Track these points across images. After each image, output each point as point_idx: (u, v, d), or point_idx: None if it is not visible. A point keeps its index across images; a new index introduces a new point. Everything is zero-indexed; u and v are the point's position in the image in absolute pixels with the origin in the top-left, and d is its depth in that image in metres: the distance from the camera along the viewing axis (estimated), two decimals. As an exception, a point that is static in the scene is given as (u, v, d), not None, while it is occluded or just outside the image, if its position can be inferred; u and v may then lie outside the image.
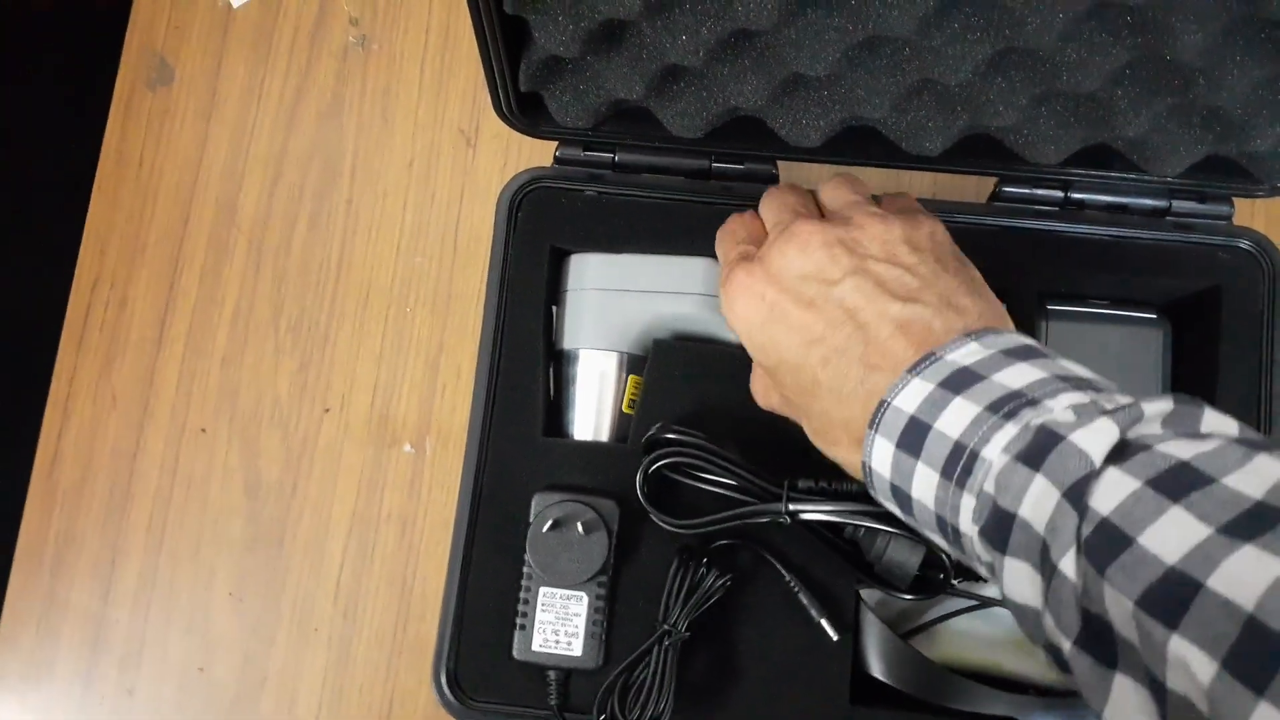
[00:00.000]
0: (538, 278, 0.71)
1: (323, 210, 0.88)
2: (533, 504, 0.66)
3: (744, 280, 0.56)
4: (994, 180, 0.71)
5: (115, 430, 0.86)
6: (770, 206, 0.61)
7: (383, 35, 0.91)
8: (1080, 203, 0.70)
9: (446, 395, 0.84)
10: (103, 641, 0.82)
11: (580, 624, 0.65)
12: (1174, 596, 0.37)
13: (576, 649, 0.65)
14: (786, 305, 0.54)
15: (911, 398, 0.48)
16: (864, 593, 0.66)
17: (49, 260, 0.89)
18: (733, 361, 0.68)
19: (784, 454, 0.63)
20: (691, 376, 0.69)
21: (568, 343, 0.71)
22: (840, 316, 0.52)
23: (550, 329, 0.72)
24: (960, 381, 0.47)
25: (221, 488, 0.84)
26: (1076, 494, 0.41)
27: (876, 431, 0.49)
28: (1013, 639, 0.67)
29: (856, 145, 0.68)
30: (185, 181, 0.90)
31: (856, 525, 0.62)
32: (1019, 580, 0.44)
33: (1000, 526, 0.44)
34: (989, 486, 0.44)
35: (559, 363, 0.72)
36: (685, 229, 0.70)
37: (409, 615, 0.81)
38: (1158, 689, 0.38)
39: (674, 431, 0.64)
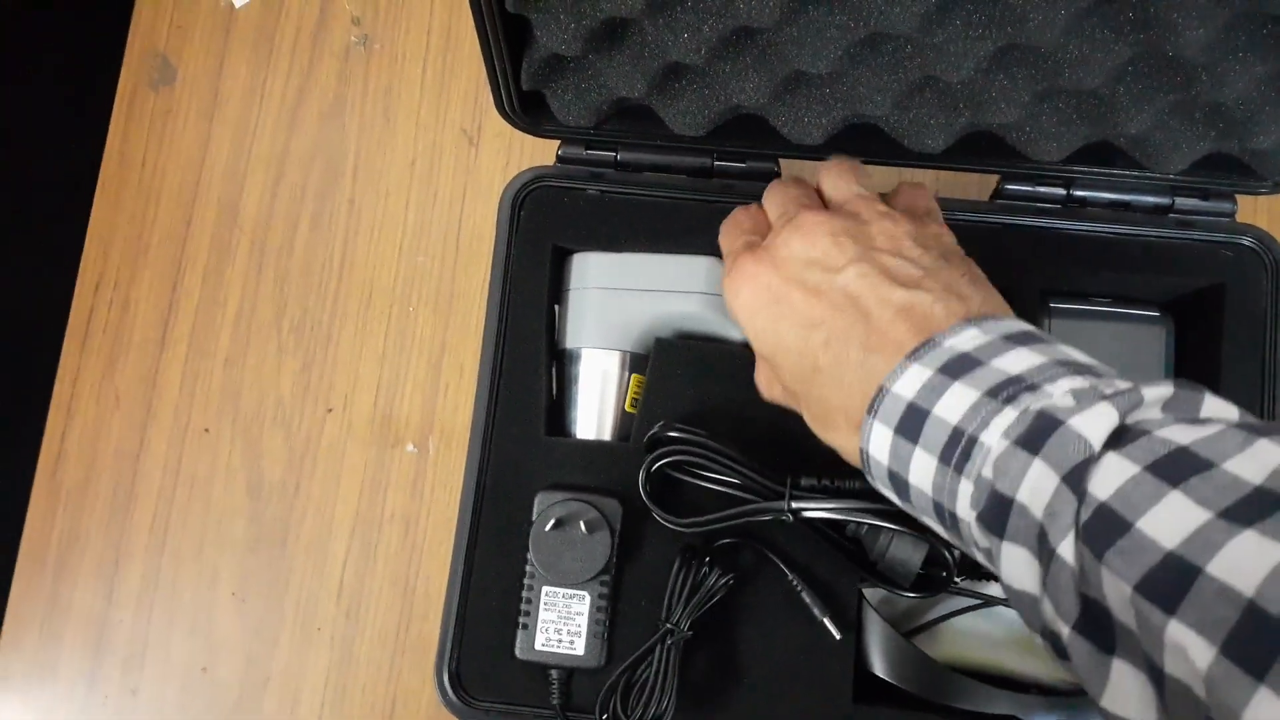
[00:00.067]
0: (540, 277, 0.71)
1: (325, 210, 0.88)
2: (535, 503, 0.66)
3: (749, 268, 0.56)
4: (996, 178, 0.71)
5: (118, 431, 0.86)
6: (774, 198, 0.61)
7: (384, 35, 0.91)
8: (1082, 200, 0.70)
9: (449, 395, 0.84)
10: (106, 642, 0.82)
11: (583, 623, 0.65)
12: (1172, 582, 0.37)
13: (579, 648, 0.65)
14: (790, 291, 0.54)
15: (910, 383, 0.48)
16: (867, 591, 0.66)
17: (52, 261, 0.90)
18: (735, 360, 0.68)
19: (786, 452, 0.63)
20: (694, 375, 0.69)
21: (570, 342, 0.71)
22: (842, 301, 0.52)
23: (553, 328, 0.72)
24: (959, 367, 0.47)
25: (224, 488, 0.84)
26: (1075, 479, 0.41)
27: (874, 417, 0.49)
28: (1015, 638, 0.67)
29: (858, 143, 0.68)
30: (188, 182, 0.90)
31: (859, 523, 0.62)
32: (1017, 566, 0.44)
33: (998, 512, 0.44)
34: (987, 472, 0.44)
35: (561, 362, 0.71)
36: (687, 227, 0.70)
37: (412, 615, 0.81)
38: (1156, 675, 0.38)
39: (676, 430, 0.64)
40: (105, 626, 0.83)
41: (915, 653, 0.64)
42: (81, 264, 0.89)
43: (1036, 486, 0.42)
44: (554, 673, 0.65)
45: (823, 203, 0.60)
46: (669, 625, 0.63)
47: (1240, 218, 0.70)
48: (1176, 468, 0.39)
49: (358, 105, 0.90)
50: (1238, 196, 0.70)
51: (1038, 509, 0.42)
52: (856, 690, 0.65)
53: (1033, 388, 0.45)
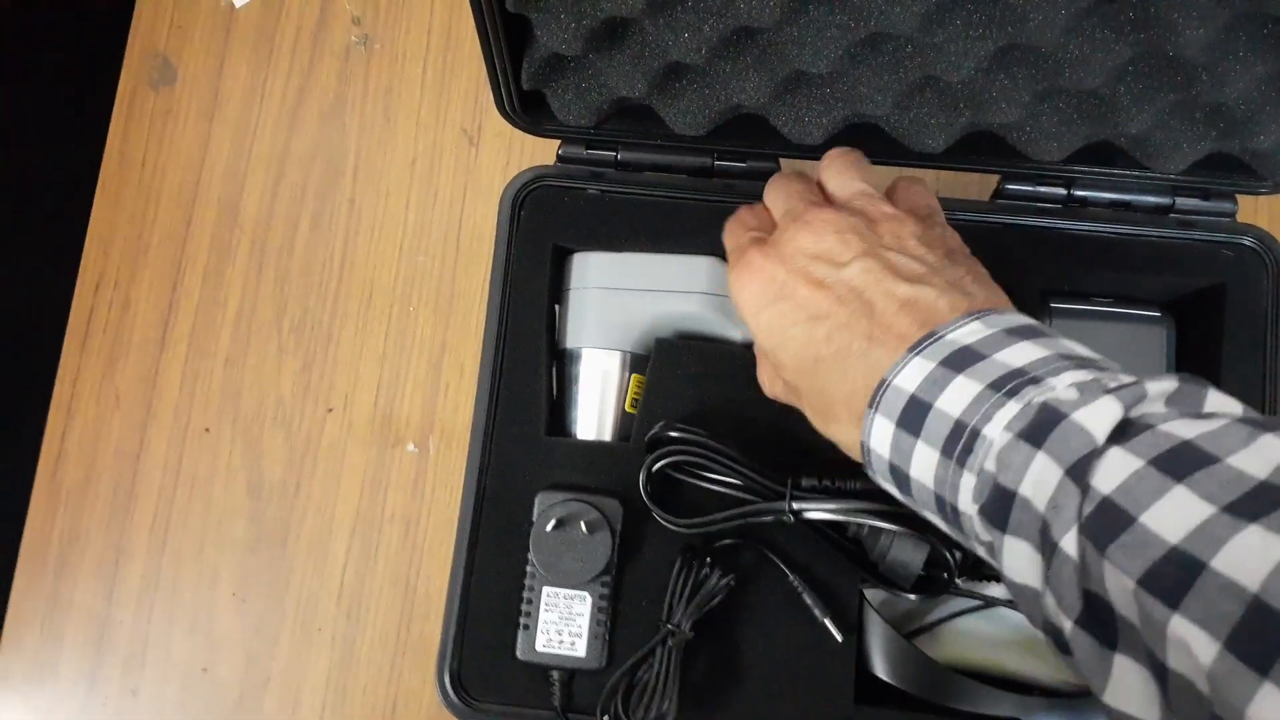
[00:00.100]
0: (540, 276, 0.71)
1: (325, 210, 0.88)
2: (536, 503, 0.66)
3: (756, 262, 0.56)
4: (997, 177, 0.71)
5: (119, 431, 0.86)
6: (778, 195, 0.61)
7: (385, 35, 0.91)
8: (1083, 200, 0.70)
9: (449, 394, 0.84)
10: (106, 642, 0.82)
11: (584, 624, 0.65)
12: (1176, 576, 0.37)
13: (580, 649, 0.65)
14: (795, 285, 0.54)
15: (912, 376, 0.48)
16: (868, 592, 0.66)
17: (52, 261, 0.90)
18: (736, 360, 0.68)
19: (787, 453, 0.63)
20: (694, 375, 0.69)
21: (570, 342, 0.71)
22: (847, 294, 0.52)
23: (553, 328, 0.72)
24: (962, 360, 0.47)
25: (225, 488, 0.84)
26: (1079, 472, 0.41)
27: (876, 411, 0.49)
28: (1017, 639, 0.67)
29: (859, 142, 0.67)
30: (188, 182, 0.90)
31: (860, 524, 0.62)
32: (1019, 560, 0.44)
33: (1001, 505, 0.44)
34: (990, 465, 0.44)
35: (561, 362, 0.71)
36: (688, 227, 0.70)
37: (412, 615, 0.81)
38: (1159, 670, 0.38)
39: (677, 430, 0.64)
40: (106, 626, 0.83)
41: (916, 654, 0.64)
42: (82, 264, 0.89)
43: (1039, 480, 0.42)
44: (555, 674, 0.65)
45: (826, 198, 0.60)
46: (670, 626, 0.63)
47: (1241, 218, 0.70)
48: (1180, 462, 0.39)
49: (358, 105, 0.90)
50: (1238, 196, 0.70)
51: (1040, 502, 0.42)
52: (858, 691, 0.64)
53: (1035, 381, 0.45)
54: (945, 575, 0.61)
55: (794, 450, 0.63)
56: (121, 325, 0.87)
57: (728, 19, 0.61)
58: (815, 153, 0.67)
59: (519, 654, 0.65)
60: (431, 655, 0.67)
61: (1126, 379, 0.44)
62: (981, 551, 0.48)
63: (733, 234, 0.62)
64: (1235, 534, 0.36)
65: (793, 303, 0.54)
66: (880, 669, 0.64)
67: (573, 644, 0.65)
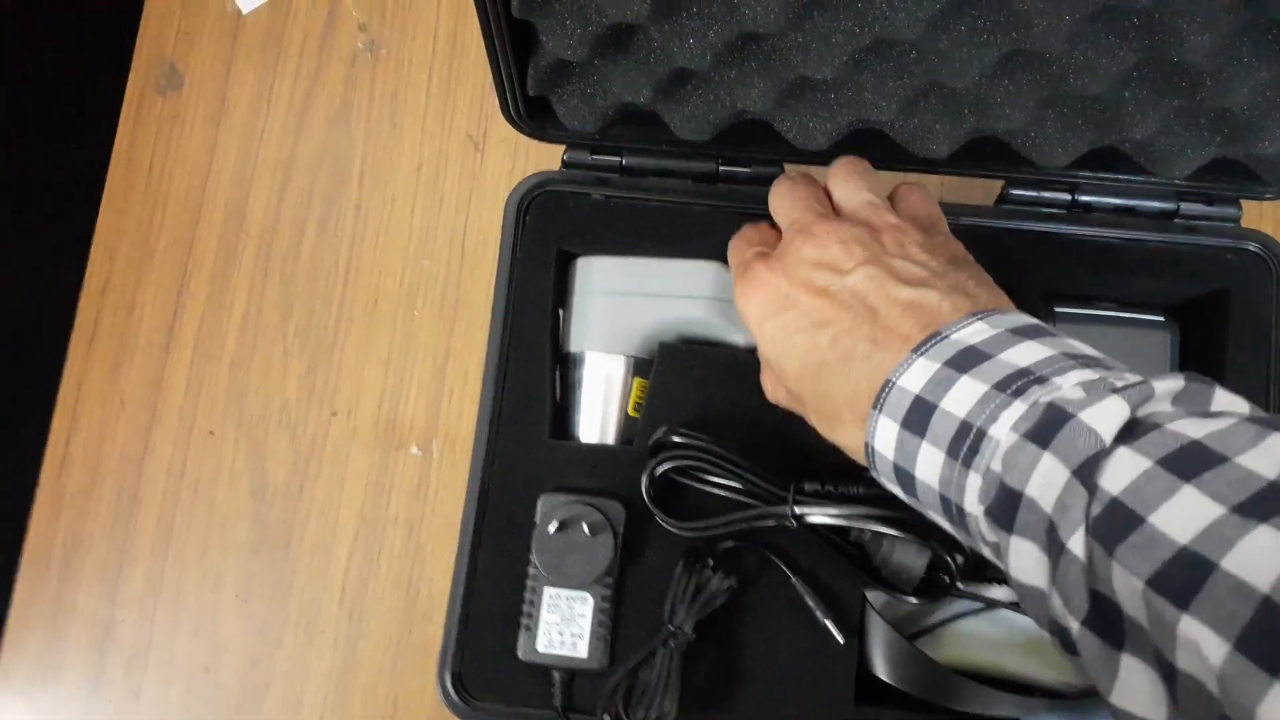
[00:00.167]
0: (545, 281, 0.71)
1: (331, 215, 0.89)
2: (539, 505, 0.66)
3: (761, 274, 0.57)
4: (1001, 183, 0.71)
5: (123, 434, 0.86)
6: (783, 202, 0.61)
7: (391, 41, 0.92)
8: (1087, 205, 0.70)
9: (454, 398, 0.84)
10: (110, 644, 0.82)
11: (585, 625, 0.65)
12: (1185, 577, 0.36)
13: (582, 650, 0.65)
14: (799, 295, 0.54)
15: (916, 377, 0.48)
16: (869, 595, 0.66)
17: (57, 265, 0.90)
18: (739, 365, 0.68)
19: (790, 457, 0.64)
20: (697, 380, 0.69)
21: (574, 345, 0.71)
22: (850, 300, 0.53)
23: (557, 332, 0.72)
24: (966, 360, 0.47)
25: (229, 491, 0.84)
26: (1086, 473, 0.41)
27: (880, 412, 0.49)
28: (1018, 641, 0.66)
29: (863, 148, 0.68)
30: (194, 187, 0.90)
31: (862, 529, 0.62)
32: (1025, 560, 0.44)
33: (1007, 506, 0.44)
34: (996, 465, 0.44)
35: (565, 365, 0.72)
36: (692, 232, 0.70)
37: (415, 617, 0.81)
38: (1167, 670, 0.38)
39: (680, 435, 0.64)
40: (109, 628, 0.83)
41: (918, 656, 0.64)
42: (88, 268, 0.89)
43: (1046, 480, 0.42)
44: (556, 674, 0.65)
45: (831, 205, 0.60)
46: (672, 627, 0.63)
47: (1245, 223, 0.70)
48: (1189, 462, 0.39)
49: (364, 111, 0.91)
50: (1242, 202, 0.70)
51: (1047, 503, 0.42)
52: (859, 693, 0.65)
53: (1041, 380, 0.45)
54: (947, 579, 0.62)
55: (797, 455, 0.63)
56: (127, 329, 0.87)
57: (733, 25, 0.61)
58: (820, 158, 0.68)
59: (520, 654, 0.65)
60: (433, 657, 0.67)
61: (1133, 378, 0.44)
62: (987, 552, 0.48)
63: (737, 249, 0.62)
64: (1245, 534, 0.36)
65: (796, 311, 0.54)
66: (882, 670, 0.64)
67: (574, 645, 0.65)
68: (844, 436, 0.54)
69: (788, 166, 0.71)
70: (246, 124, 0.91)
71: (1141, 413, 0.42)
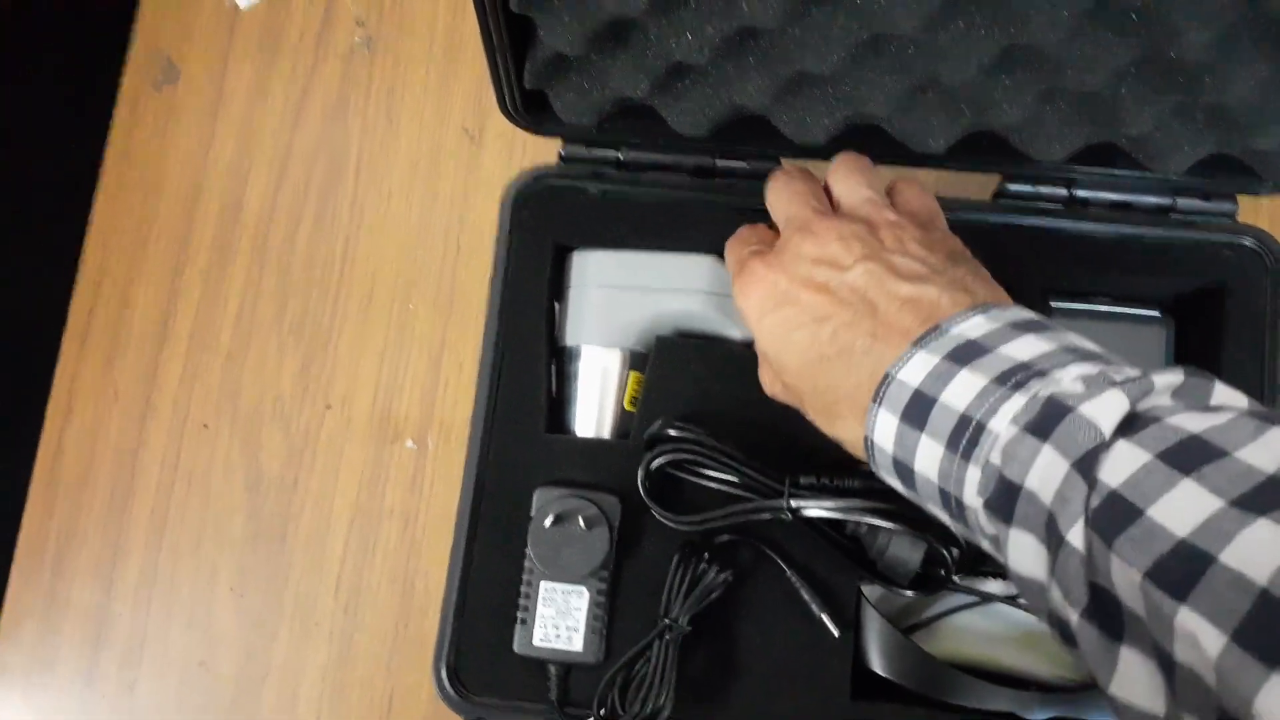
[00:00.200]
0: (541, 275, 0.71)
1: (327, 209, 0.89)
2: (534, 499, 0.66)
3: (759, 271, 0.57)
4: (998, 178, 0.71)
5: (117, 426, 0.86)
6: (780, 198, 0.61)
7: (388, 36, 0.92)
8: (1084, 200, 0.70)
9: (449, 391, 0.84)
10: (104, 637, 0.82)
11: (581, 618, 0.65)
12: (1184, 570, 0.37)
13: (577, 644, 0.65)
14: (799, 291, 0.54)
15: (916, 371, 0.48)
16: (865, 588, 0.66)
17: (52, 257, 0.90)
18: (735, 359, 0.68)
19: (786, 451, 0.64)
20: (694, 373, 0.69)
21: (570, 339, 0.71)
22: (849, 296, 0.53)
23: (553, 325, 0.72)
24: (966, 354, 0.47)
25: (223, 483, 0.84)
26: (1086, 465, 0.41)
27: (880, 405, 0.49)
28: (1014, 635, 0.67)
29: (861, 143, 0.68)
30: (190, 180, 0.90)
31: (858, 522, 0.63)
32: (1024, 553, 0.44)
33: (1006, 498, 0.44)
34: (995, 458, 0.44)
35: (561, 359, 0.72)
36: (689, 227, 0.70)
37: (410, 611, 0.81)
38: (1165, 662, 0.38)
39: (676, 428, 0.64)
40: (104, 621, 0.82)
41: (914, 649, 0.64)
42: (82, 261, 0.89)
43: (1046, 473, 0.42)
44: (552, 668, 0.65)
45: (830, 201, 0.60)
46: (667, 621, 0.63)
47: (1241, 218, 0.70)
48: (1188, 455, 0.39)
49: (361, 106, 0.91)
50: (1239, 197, 0.70)
51: (1047, 495, 0.42)
52: (855, 687, 0.65)
53: (1041, 374, 0.45)
54: (943, 573, 0.62)
55: (792, 449, 0.63)
56: (121, 322, 0.87)
57: (731, 20, 0.61)
58: (818, 154, 0.68)
59: (516, 648, 0.65)
60: (429, 650, 0.67)
61: (1132, 372, 0.44)
62: (986, 545, 0.48)
63: (734, 249, 0.62)
64: (1244, 528, 0.36)
65: (796, 307, 0.54)
66: (877, 664, 0.64)
67: (570, 638, 0.65)
68: (843, 431, 0.54)
69: (785, 162, 0.71)
70: (243, 118, 0.91)
71: (1141, 407, 0.42)
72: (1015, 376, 0.45)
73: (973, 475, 0.46)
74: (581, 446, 0.69)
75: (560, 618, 0.65)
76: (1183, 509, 0.38)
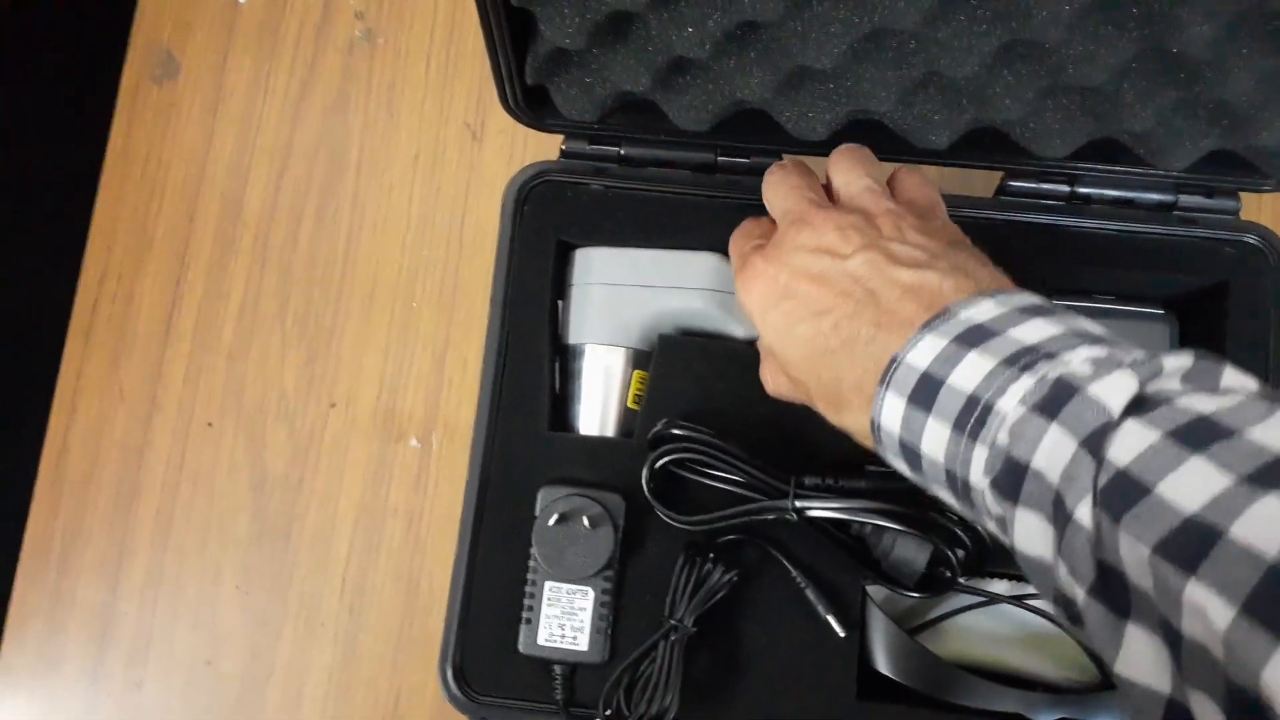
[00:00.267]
0: (544, 272, 0.71)
1: (328, 205, 0.88)
2: (539, 498, 0.66)
3: (759, 266, 0.57)
4: (1000, 174, 0.71)
5: (122, 425, 0.86)
6: (777, 192, 0.61)
7: (388, 30, 0.91)
8: (1086, 197, 0.70)
9: (452, 389, 0.84)
10: (110, 636, 0.83)
11: (586, 618, 0.65)
12: (1193, 544, 0.36)
13: (582, 643, 0.65)
14: (799, 284, 0.54)
15: (924, 353, 0.48)
16: (870, 589, 0.66)
17: (55, 255, 0.90)
18: (739, 357, 0.68)
19: (791, 451, 0.64)
20: (698, 372, 0.69)
21: (573, 337, 0.71)
22: (851, 286, 0.52)
23: (556, 323, 0.72)
24: (975, 337, 0.47)
25: (228, 482, 0.84)
26: (1094, 444, 0.41)
27: (887, 388, 0.49)
28: (1020, 636, 0.67)
29: (862, 138, 0.67)
30: (191, 176, 0.90)
31: (864, 522, 0.62)
32: (1030, 532, 0.44)
33: (1013, 477, 0.44)
34: (1002, 437, 0.44)
35: (564, 357, 0.71)
36: (691, 223, 0.70)
37: (415, 610, 0.81)
38: (1172, 637, 0.38)
39: (680, 428, 0.64)
40: (109, 620, 0.83)
41: (919, 650, 0.64)
42: (85, 258, 0.89)
43: (1053, 452, 0.42)
44: (557, 668, 0.65)
45: (829, 193, 0.60)
46: (673, 621, 0.63)
47: (1244, 215, 0.70)
48: (1198, 435, 0.39)
49: (361, 100, 0.90)
50: (1241, 194, 0.70)
51: (1054, 474, 0.42)
52: (860, 687, 0.65)
53: (1050, 356, 0.45)
54: (948, 573, 0.62)
55: (797, 448, 0.64)
56: (125, 320, 0.87)
57: (731, 14, 0.61)
58: (819, 149, 0.67)
59: (521, 648, 0.65)
60: (434, 650, 0.67)
61: (1141, 355, 0.44)
62: (992, 526, 0.48)
63: (736, 244, 0.62)
64: (1253, 503, 0.36)
65: (797, 300, 0.54)
66: (883, 664, 0.64)
67: (575, 638, 0.65)
68: (851, 421, 0.54)
69: (786, 157, 0.70)
70: (243, 113, 0.91)
71: (1150, 388, 0.42)
72: (1024, 359, 0.45)
73: (979, 455, 0.46)
74: (585, 445, 0.69)
75: (565, 617, 0.65)
76: (1191, 486, 0.38)
